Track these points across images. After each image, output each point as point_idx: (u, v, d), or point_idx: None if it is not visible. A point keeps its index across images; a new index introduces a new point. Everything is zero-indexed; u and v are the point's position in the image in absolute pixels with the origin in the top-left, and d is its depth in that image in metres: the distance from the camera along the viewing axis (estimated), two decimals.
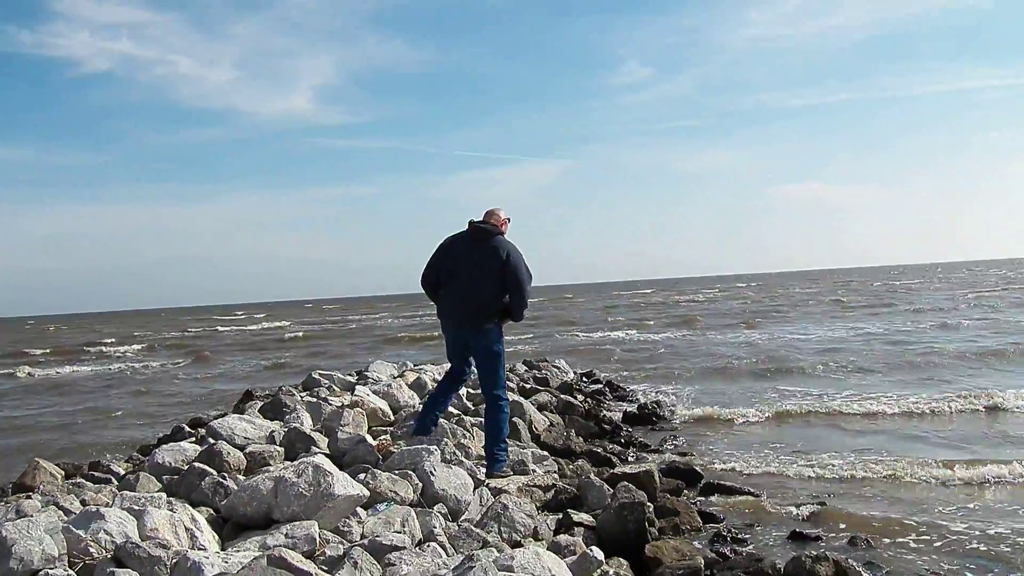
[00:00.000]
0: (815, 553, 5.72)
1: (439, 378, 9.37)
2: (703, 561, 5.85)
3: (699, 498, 8.35)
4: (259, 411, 9.19)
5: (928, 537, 6.87)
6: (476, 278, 7.38)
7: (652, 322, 42.26)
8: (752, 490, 8.51)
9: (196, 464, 6.21)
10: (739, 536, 7.06)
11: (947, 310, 37.41)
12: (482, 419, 7.92)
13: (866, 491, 8.37)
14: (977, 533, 6.87)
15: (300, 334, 48.75)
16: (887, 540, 6.87)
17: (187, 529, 4.78)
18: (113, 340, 53.39)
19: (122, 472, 7.45)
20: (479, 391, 8.36)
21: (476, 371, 7.86)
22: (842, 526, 7.27)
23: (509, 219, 7.73)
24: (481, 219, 7.55)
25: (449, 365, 8.03)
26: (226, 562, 4.12)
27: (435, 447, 6.87)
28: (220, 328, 64.99)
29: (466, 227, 7.56)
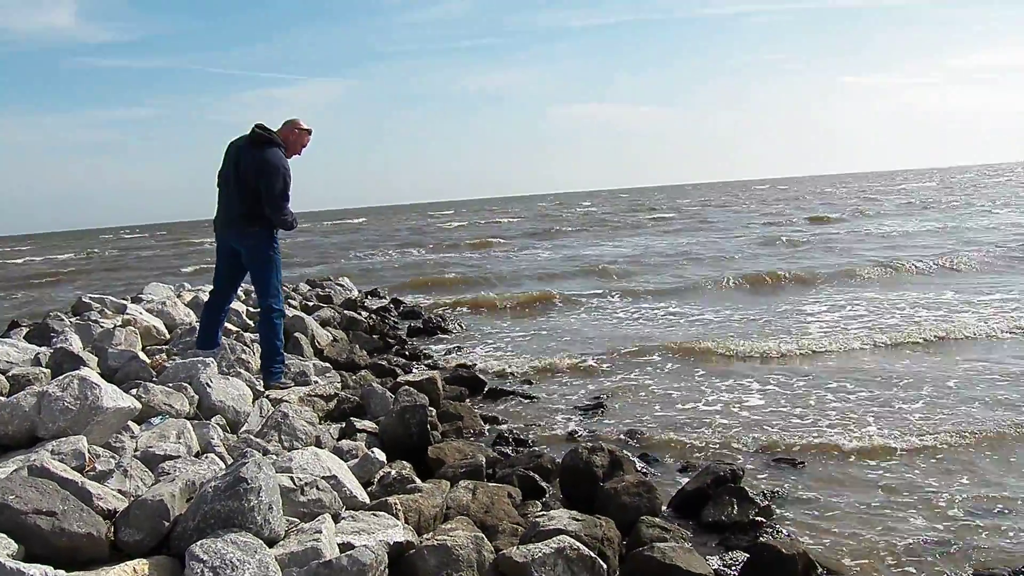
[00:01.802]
0: (591, 445, 5.95)
1: None
2: (485, 460, 6.00)
3: (482, 404, 8.55)
4: (24, 337, 8.71)
5: (701, 430, 7.28)
6: (241, 183, 7.20)
7: (447, 242, 42.35)
8: (533, 395, 8.79)
9: None
10: (520, 437, 7.27)
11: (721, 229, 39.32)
12: None
13: (641, 392, 8.77)
14: (750, 429, 7.36)
15: (71, 268, 46.01)
16: (661, 434, 7.24)
17: None
18: None
19: None
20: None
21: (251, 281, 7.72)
22: (618, 423, 7.61)
23: (311, 131, 7.52)
24: (269, 127, 7.33)
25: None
26: None
27: (211, 360, 6.70)
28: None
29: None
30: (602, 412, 8.02)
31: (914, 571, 4.55)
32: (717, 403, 8.18)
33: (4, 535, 3.24)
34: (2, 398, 5.73)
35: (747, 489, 5.35)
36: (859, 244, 25.13)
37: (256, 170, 7.13)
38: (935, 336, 10.69)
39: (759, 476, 6.06)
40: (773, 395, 8.34)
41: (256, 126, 7.27)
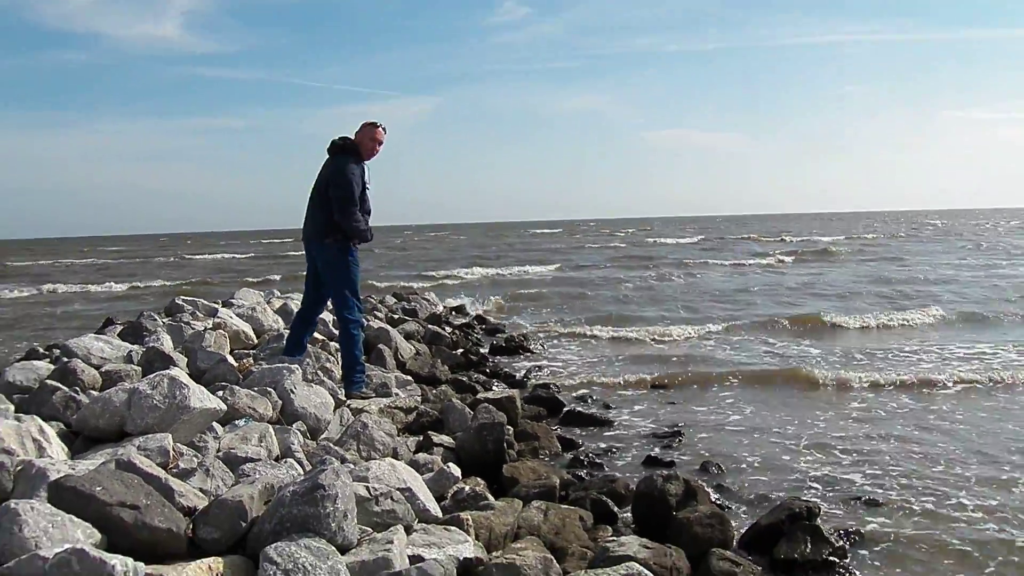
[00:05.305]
0: (666, 472, 5.90)
1: None
2: (559, 481, 5.99)
3: (560, 426, 8.53)
4: (118, 335, 8.96)
5: (774, 466, 7.17)
6: (316, 194, 7.48)
7: (523, 259, 42.41)
8: (612, 419, 8.76)
9: (48, 381, 6.03)
10: (596, 461, 7.26)
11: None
12: None
13: (719, 421, 8.69)
14: (819, 466, 7.22)
15: (169, 272, 47.12)
16: (739, 465, 7.16)
17: (35, 440, 4.64)
18: None
19: None
20: None
21: None
22: (695, 453, 7.54)
23: (376, 124, 7.54)
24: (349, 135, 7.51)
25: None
26: (73, 469, 4.03)
27: (296, 366, 6.82)
28: (76, 259, 62.00)
29: None
30: (680, 440, 7.95)
31: None
32: (799, 437, 8.06)
33: (89, 524, 3.35)
34: (95, 392, 5.93)
35: (822, 527, 5.24)
36: None
37: (326, 179, 7.38)
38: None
39: (836, 515, 5.94)
40: (860, 431, 8.18)
41: (335, 138, 7.48)
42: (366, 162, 7.52)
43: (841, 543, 5.26)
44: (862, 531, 5.58)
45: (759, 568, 4.89)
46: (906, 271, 28.82)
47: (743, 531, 5.49)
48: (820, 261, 37.11)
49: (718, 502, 6.09)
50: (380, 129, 7.54)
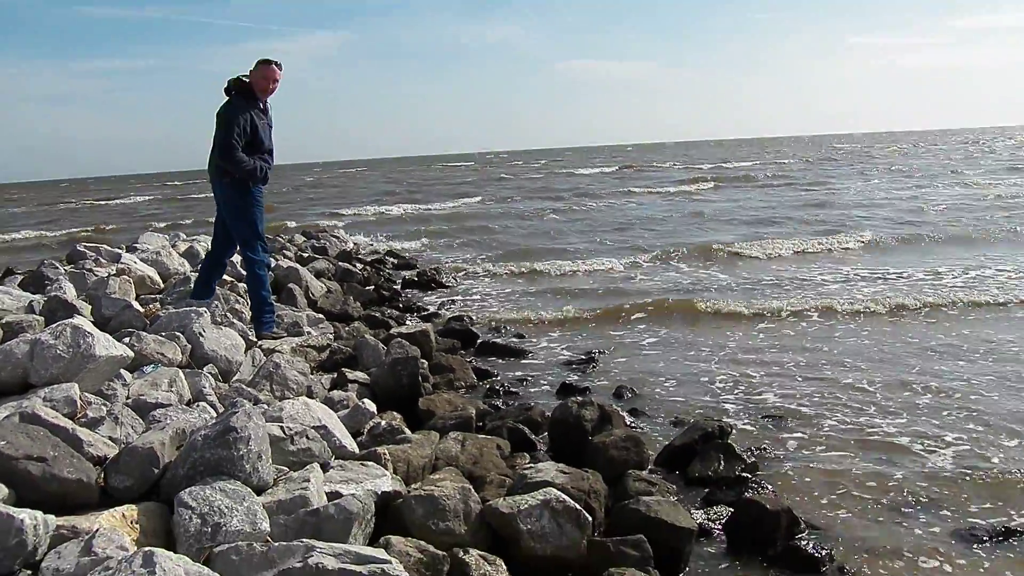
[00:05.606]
0: (581, 399, 5.99)
1: None
2: (475, 412, 6.05)
3: (475, 357, 8.57)
4: (18, 285, 8.73)
5: (687, 389, 7.33)
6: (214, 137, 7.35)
7: (436, 194, 42.29)
8: (526, 348, 8.82)
9: None
10: (512, 390, 7.34)
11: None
12: None
13: (633, 348, 8.83)
14: (731, 387, 7.38)
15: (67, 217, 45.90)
16: (652, 389, 7.29)
17: None
18: None
19: None
20: None
21: None
22: (610, 379, 7.65)
23: (268, 61, 7.34)
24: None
25: None
26: None
27: (204, 309, 6.72)
28: None
29: None
30: (594, 367, 8.05)
31: (902, 528, 4.58)
32: (711, 360, 8.22)
33: None
34: None
35: (734, 445, 5.39)
36: None
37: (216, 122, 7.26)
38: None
39: (748, 433, 6.09)
40: (769, 353, 8.39)
41: (231, 79, 7.34)
42: (267, 100, 7.38)
43: (753, 460, 5.42)
44: (775, 446, 5.76)
45: (674, 487, 5.01)
46: (824, 195, 29.10)
47: (658, 452, 5.62)
48: (738, 187, 37.44)
49: (632, 425, 6.21)
50: (274, 67, 7.36)
